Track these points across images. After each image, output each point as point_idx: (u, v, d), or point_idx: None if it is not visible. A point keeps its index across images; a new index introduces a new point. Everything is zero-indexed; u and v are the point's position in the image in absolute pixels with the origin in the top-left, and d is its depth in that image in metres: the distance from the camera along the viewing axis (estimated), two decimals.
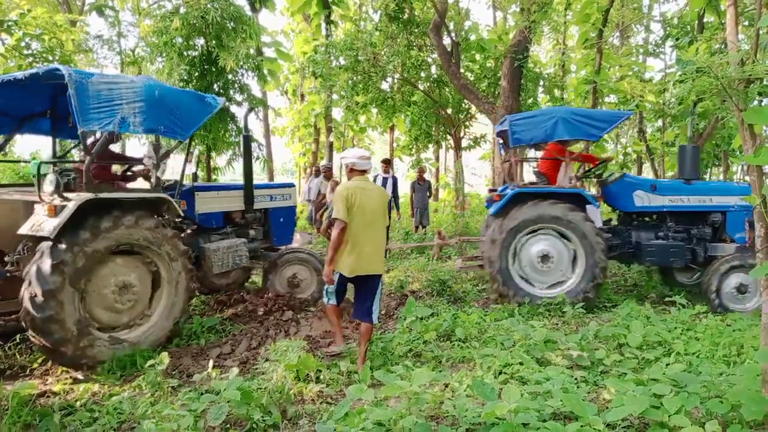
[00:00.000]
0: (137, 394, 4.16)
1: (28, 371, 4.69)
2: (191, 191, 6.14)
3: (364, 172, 4.67)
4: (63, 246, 4.38)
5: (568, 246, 6.77)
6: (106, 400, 4.00)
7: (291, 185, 7.60)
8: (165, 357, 4.25)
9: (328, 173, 11.86)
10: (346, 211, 4.42)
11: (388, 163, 11.32)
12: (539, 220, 6.68)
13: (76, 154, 9.62)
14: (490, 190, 8.27)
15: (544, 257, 6.72)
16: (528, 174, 10.31)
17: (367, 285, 4.67)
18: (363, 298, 4.70)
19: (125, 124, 4.75)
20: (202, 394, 3.91)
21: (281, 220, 7.16)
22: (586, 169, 7.82)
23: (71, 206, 4.41)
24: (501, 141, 8.13)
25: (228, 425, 3.55)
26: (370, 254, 4.56)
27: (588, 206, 6.82)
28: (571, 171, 7.12)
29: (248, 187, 6.66)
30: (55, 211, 4.45)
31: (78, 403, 3.98)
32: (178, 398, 3.93)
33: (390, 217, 11.26)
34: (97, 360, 4.60)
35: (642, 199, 7.11)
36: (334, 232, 4.42)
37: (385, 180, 10.71)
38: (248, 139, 6.84)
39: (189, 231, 6.17)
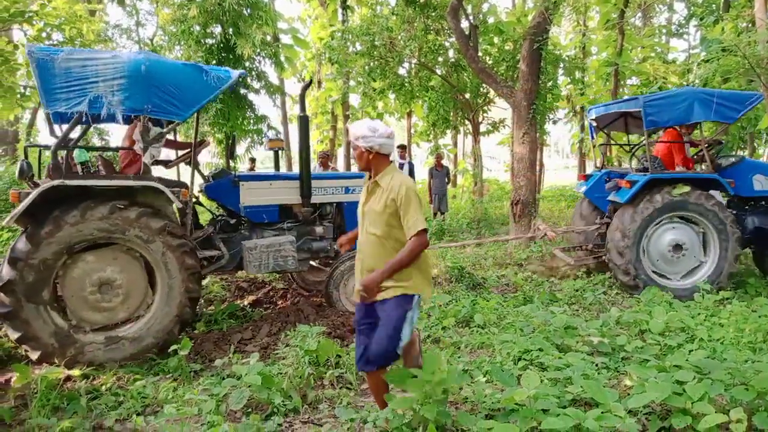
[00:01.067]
0: (160, 378, 4.24)
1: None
2: (233, 181, 5.60)
3: (389, 156, 3.22)
4: (7, 266, 4.23)
5: (698, 233, 6.59)
6: (131, 385, 4.09)
7: None
8: (187, 342, 4.32)
9: (324, 160, 10.75)
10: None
11: (404, 148, 11.16)
12: (676, 208, 6.43)
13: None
14: (584, 176, 7.98)
15: (676, 247, 6.51)
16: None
17: None
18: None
19: (99, 103, 4.34)
20: (223, 378, 3.99)
21: None
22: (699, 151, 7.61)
23: (33, 194, 4.24)
24: (594, 125, 7.93)
25: (249, 409, 3.60)
26: None
27: (711, 191, 6.62)
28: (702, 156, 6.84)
29: (304, 177, 5.76)
30: (18, 198, 4.39)
31: (103, 387, 4.07)
32: (200, 383, 4.00)
33: None
34: (94, 363, 4.41)
35: (761, 184, 6.84)
36: (421, 247, 3.01)
37: (401, 166, 10.63)
38: (305, 121, 5.74)
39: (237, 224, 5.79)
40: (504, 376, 3.49)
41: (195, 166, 5.58)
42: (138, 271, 4.72)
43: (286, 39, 15.15)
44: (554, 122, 18.79)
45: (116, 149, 5.46)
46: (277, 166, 6.83)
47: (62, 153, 4.82)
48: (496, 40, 14.07)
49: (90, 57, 4.42)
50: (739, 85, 9.40)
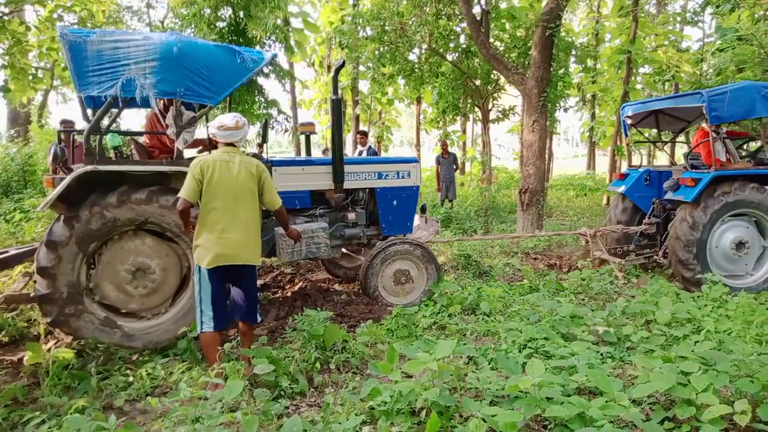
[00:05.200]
0: (170, 360, 4.30)
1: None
2: (266, 165, 5.46)
3: (231, 144, 3.95)
4: (45, 249, 4.24)
5: (750, 223, 6.56)
6: (140, 367, 4.15)
7: (413, 160, 6.30)
8: (196, 325, 4.37)
9: (362, 140, 10.53)
10: (194, 189, 3.73)
11: (364, 135, 10.86)
12: (745, 204, 6.38)
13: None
14: (620, 175, 7.86)
15: (740, 245, 6.48)
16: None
17: (240, 280, 4.01)
18: (244, 294, 4.04)
19: (131, 86, 4.28)
20: (230, 360, 4.02)
21: (394, 203, 6.02)
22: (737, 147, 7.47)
23: (67, 179, 4.21)
24: (629, 122, 7.83)
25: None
26: (236, 241, 3.82)
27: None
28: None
29: (337, 162, 5.62)
30: (53, 183, 4.38)
31: (114, 368, 4.14)
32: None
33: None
34: (78, 334, 4.34)
35: None
36: (176, 210, 3.85)
37: (360, 153, 10.37)
38: (338, 104, 5.63)
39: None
40: (509, 363, 3.52)
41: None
42: (175, 275, 4.69)
43: (296, 23, 15.05)
44: (565, 110, 18.63)
45: (148, 133, 5.31)
46: (308, 151, 6.68)
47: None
48: (507, 26, 13.94)
49: (122, 39, 4.35)
50: (754, 75, 9.26)
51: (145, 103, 4.79)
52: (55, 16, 11.44)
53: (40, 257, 4.26)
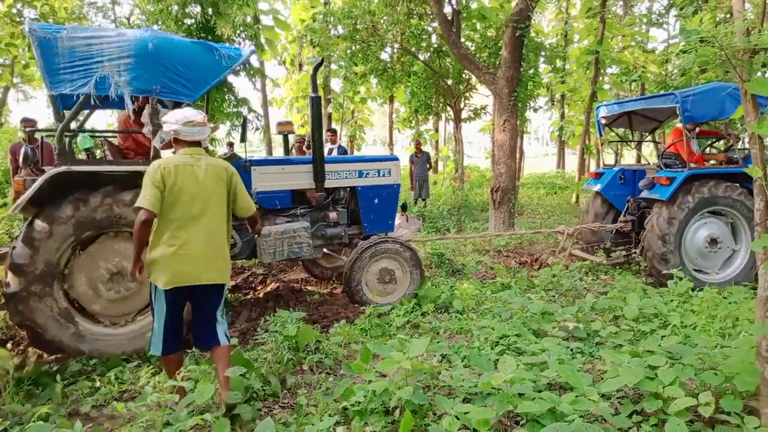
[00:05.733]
0: (138, 364, 4.21)
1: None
2: (245, 166, 5.27)
3: (196, 143, 3.45)
4: (22, 245, 4.07)
5: (726, 224, 6.69)
6: (107, 371, 4.04)
7: (393, 159, 6.27)
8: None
9: (300, 144, 10.40)
10: (157, 198, 3.19)
11: (334, 132, 10.71)
12: (718, 202, 6.49)
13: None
14: (596, 174, 7.99)
15: (713, 241, 6.59)
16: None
17: (201, 300, 3.47)
18: (200, 317, 3.49)
19: (105, 84, 4.14)
20: (198, 364, 3.95)
21: (375, 201, 5.99)
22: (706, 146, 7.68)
23: (39, 181, 4.05)
24: (603, 122, 7.94)
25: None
26: (199, 257, 3.30)
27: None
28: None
29: (318, 161, 5.56)
30: (23, 185, 4.24)
31: (79, 374, 4.02)
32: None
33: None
34: (30, 317, 4.10)
35: None
36: (136, 226, 3.18)
37: (330, 151, 10.36)
38: (317, 102, 5.51)
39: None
40: (481, 360, 3.54)
41: (205, 150, 5.45)
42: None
43: (266, 20, 14.90)
44: (535, 110, 18.89)
45: (123, 132, 5.15)
46: (286, 150, 6.60)
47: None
48: (478, 26, 14.06)
49: (94, 35, 4.22)
50: (716, 76, 9.53)
51: (118, 104, 4.68)
52: (14, 11, 11.07)
53: (35, 226, 4.11)
